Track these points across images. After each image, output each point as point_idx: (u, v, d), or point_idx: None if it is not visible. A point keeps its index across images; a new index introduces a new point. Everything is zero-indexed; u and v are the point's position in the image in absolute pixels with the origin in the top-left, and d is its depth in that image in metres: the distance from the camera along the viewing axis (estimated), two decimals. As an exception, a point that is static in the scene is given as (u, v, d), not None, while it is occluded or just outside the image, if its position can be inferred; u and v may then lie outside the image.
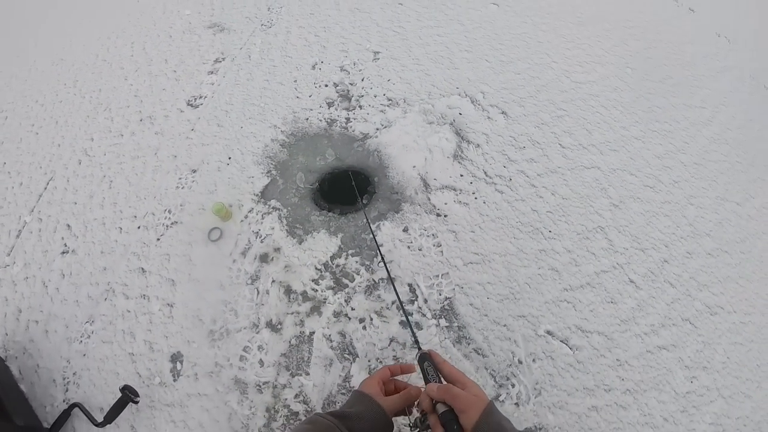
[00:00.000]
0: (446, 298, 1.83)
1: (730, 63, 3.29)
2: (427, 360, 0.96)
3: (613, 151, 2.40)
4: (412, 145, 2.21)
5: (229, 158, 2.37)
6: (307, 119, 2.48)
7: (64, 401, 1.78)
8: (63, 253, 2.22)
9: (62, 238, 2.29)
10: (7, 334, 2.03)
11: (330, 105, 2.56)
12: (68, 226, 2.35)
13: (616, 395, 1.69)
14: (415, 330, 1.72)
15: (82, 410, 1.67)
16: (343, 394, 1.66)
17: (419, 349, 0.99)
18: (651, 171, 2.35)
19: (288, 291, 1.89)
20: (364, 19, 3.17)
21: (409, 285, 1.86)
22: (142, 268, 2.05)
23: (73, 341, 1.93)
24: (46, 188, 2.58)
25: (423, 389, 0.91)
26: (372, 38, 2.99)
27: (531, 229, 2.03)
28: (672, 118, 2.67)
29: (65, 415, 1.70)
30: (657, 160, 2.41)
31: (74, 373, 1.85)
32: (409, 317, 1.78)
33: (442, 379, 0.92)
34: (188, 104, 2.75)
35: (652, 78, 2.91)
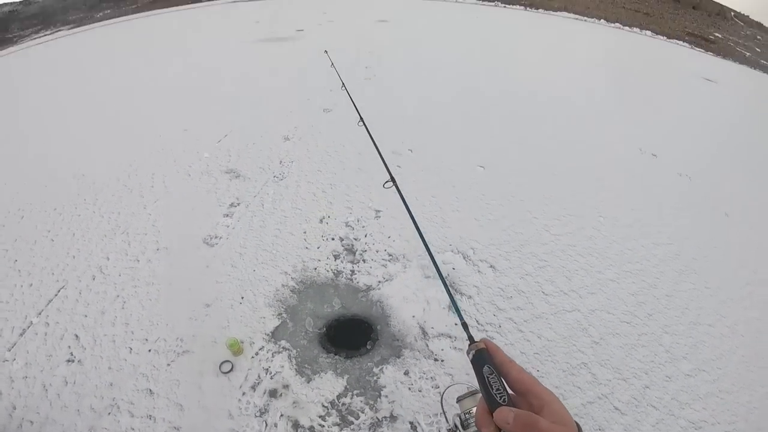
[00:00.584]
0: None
1: (691, 199, 4.96)
2: (487, 364, 0.83)
3: (591, 294, 3.54)
4: (412, 297, 3.37)
5: (242, 298, 3.41)
6: (315, 269, 3.65)
7: None
8: (68, 361, 3.05)
9: (69, 347, 3.16)
10: (-3, 428, 2.69)
11: (336, 257, 3.79)
12: (76, 336, 3.24)
13: None
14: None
15: None
16: None
17: (472, 341, 0.86)
18: (627, 308, 3.47)
19: (296, 425, 2.66)
20: (366, 179, 4.77)
21: (411, 423, 2.65)
22: (150, 390, 2.87)
23: None
24: (56, 295, 3.54)
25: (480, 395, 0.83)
26: (373, 197, 4.50)
27: None
28: (643, 258, 4.00)
29: None
30: (632, 297, 3.56)
31: None
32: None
33: (508, 388, 0.82)
34: (204, 242, 4.00)
35: (621, 223, 4.40)
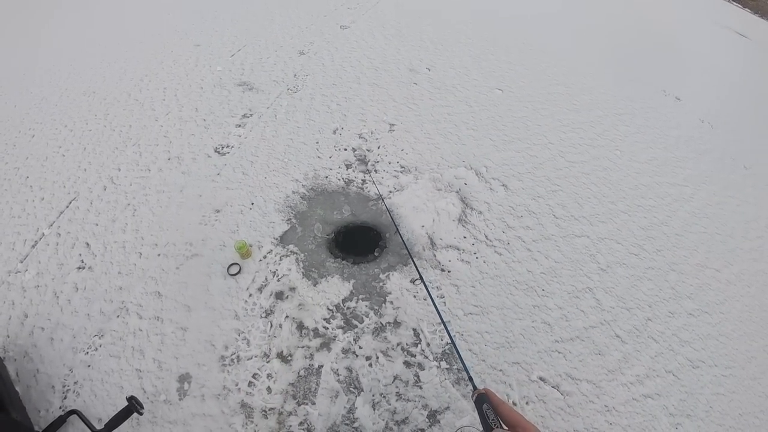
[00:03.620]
0: (447, 343, 2.37)
1: (711, 146, 4.36)
2: (486, 402, 1.05)
3: (602, 222, 3.17)
4: (422, 207, 3.00)
5: (252, 203, 3.08)
6: (327, 177, 3.26)
7: (60, 408, 2.18)
8: (79, 268, 2.81)
9: (80, 255, 2.89)
10: (8, 337, 2.47)
11: (348, 167, 3.38)
12: (87, 244, 2.96)
13: (604, 442, 2.15)
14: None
15: (80, 417, 2.01)
16: (347, 424, 2.11)
17: (475, 388, 1.08)
18: (636, 240, 3.10)
19: (300, 327, 2.44)
20: (382, 94, 4.20)
21: (414, 329, 2.42)
22: (159, 292, 2.62)
23: (78, 351, 2.39)
24: (68, 206, 3.23)
25: None
26: (388, 111, 3.96)
27: (526, 287, 2.67)
28: (656, 195, 3.55)
29: (60, 421, 2.02)
30: (642, 231, 3.19)
31: (75, 382, 2.28)
32: (413, 358, 2.30)
33: (502, 423, 1.01)
34: (216, 151, 3.57)
35: (638, 159, 3.87)
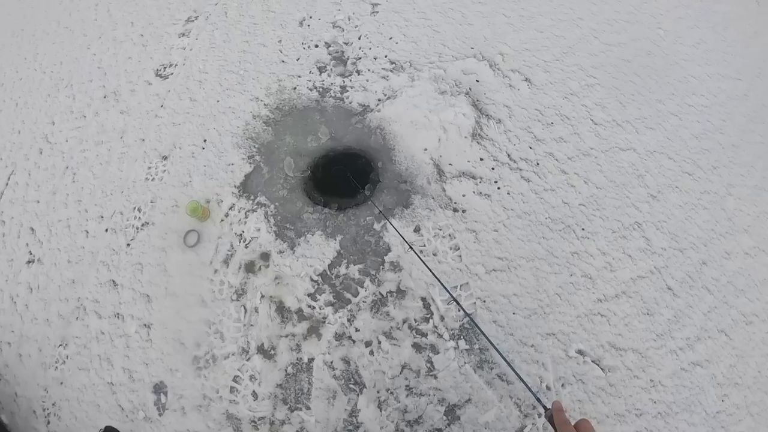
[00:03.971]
0: (466, 315, 1.23)
1: (760, 26, 2.33)
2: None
3: (650, 129, 1.57)
4: (423, 121, 1.33)
5: (205, 141, 1.48)
6: (295, 89, 1.55)
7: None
8: (29, 262, 1.44)
9: (27, 245, 1.47)
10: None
11: (322, 70, 1.57)
12: (32, 229, 1.50)
13: (647, 420, 1.11)
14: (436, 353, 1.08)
15: None
16: (350, 430, 1.07)
17: (546, 408, 0.61)
18: (689, 154, 1.54)
19: (280, 308, 1.17)
20: (360, -38, 2.08)
21: (423, 299, 1.18)
22: (113, 281, 1.29)
23: (48, 367, 1.26)
24: (7, 184, 1.66)
25: None
26: (369, -13, 1.96)
27: (562, 227, 1.30)
28: (708, 91, 1.75)
29: None
30: (695, 141, 1.58)
31: (53, 404, 1.21)
32: (424, 338, 1.12)
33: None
34: (157, 74, 1.73)
35: (684, 42, 1.93)
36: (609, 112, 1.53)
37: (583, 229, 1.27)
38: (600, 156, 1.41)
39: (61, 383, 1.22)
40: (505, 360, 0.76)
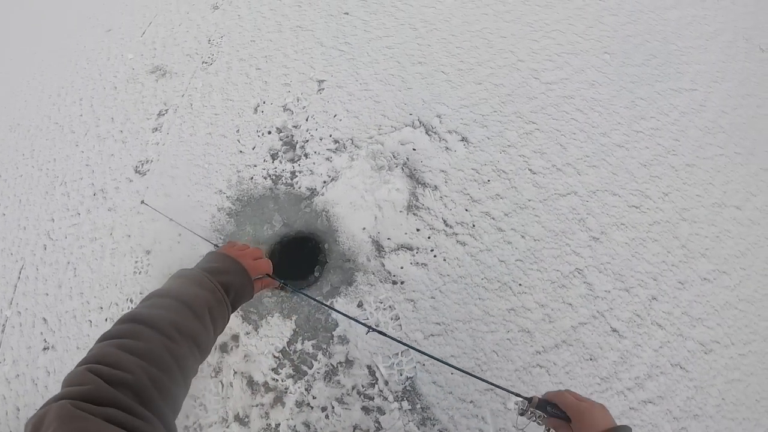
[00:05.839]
0: (407, 378, 1.60)
1: (719, 25, 2.57)
2: (549, 405, 0.81)
3: (592, 167, 1.98)
4: (360, 202, 1.86)
5: (179, 235, 2.13)
6: (252, 178, 2.18)
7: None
8: (44, 349, 2.12)
9: (41, 333, 2.18)
10: (10, 433, 2.02)
11: (274, 157, 2.21)
12: (44, 320, 2.24)
13: (599, 467, 1.50)
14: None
15: None
16: None
17: (526, 399, 0.81)
18: (637, 185, 1.93)
19: (250, 382, 1.71)
20: (307, 39, 2.70)
21: (368, 367, 1.65)
22: None
23: None
24: (19, 277, 2.46)
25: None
26: (316, 63, 2.54)
27: (498, 285, 1.73)
28: (659, 111, 2.15)
29: None
30: (643, 170, 1.97)
31: None
32: (371, 401, 1.55)
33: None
34: (136, 171, 2.49)
35: (633, 62, 2.33)
36: (548, 157, 1.94)
37: (519, 285, 1.66)
38: (538, 206, 1.82)
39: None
40: (471, 373, 1.05)
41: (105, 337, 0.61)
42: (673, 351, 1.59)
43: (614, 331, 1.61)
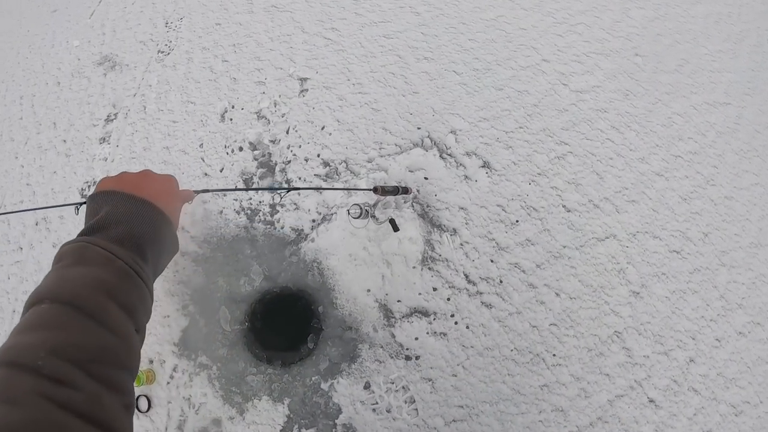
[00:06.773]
0: None
1: (744, 25, 1.58)
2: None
3: (632, 202, 1.13)
4: (363, 255, 0.95)
5: None
6: (221, 212, 1.18)
7: None
8: None
9: None
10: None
11: (248, 183, 1.28)
12: None
13: None
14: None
15: None
16: None
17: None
18: (677, 225, 1.12)
19: None
20: (285, 23, 1.47)
21: None
22: None
23: None
24: None
25: None
26: (296, 55, 1.38)
27: (530, 357, 0.97)
28: (696, 130, 1.26)
29: None
30: (684, 206, 1.15)
31: None
32: None
33: None
34: (82, 195, 1.43)
35: (666, 67, 1.34)
36: (584, 190, 1.11)
37: (554, 355, 0.96)
38: (574, 255, 1.04)
39: None
40: None
41: None
42: (706, 417, 1.01)
43: (651, 401, 0.99)
